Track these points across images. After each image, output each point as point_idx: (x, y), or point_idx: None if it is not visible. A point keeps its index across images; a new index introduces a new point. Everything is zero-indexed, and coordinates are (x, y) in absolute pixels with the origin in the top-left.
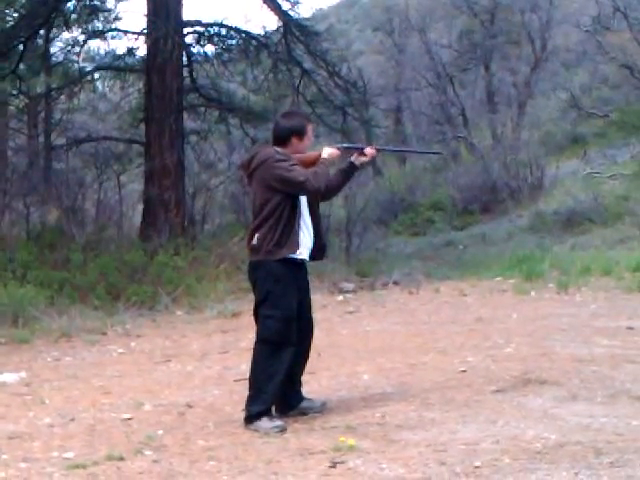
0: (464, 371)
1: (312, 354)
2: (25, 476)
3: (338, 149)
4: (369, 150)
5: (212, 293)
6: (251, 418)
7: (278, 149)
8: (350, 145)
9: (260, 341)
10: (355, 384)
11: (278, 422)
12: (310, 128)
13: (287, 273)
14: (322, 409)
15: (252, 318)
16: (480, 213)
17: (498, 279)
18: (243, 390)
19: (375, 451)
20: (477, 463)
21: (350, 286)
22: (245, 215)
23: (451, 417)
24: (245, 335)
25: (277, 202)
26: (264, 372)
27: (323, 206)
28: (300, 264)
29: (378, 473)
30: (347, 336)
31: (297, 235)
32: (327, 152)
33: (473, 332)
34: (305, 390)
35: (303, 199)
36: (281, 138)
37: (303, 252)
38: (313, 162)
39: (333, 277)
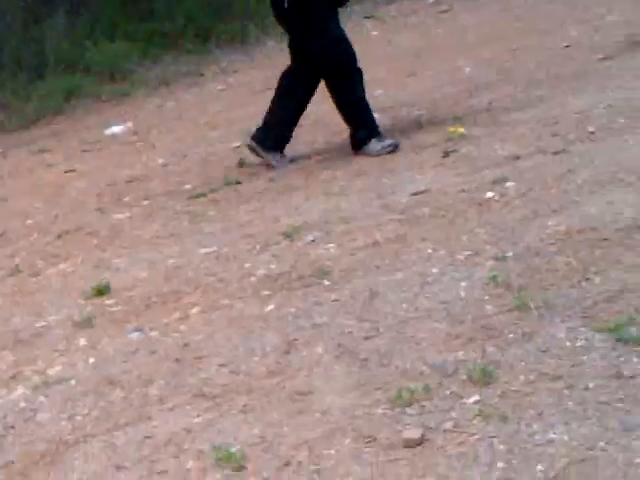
0: (568, 46)
1: (410, 56)
2: (148, 212)
3: None
4: None
5: None
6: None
7: None
8: None
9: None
10: (458, 77)
11: (389, 141)
12: None
13: None
14: None
15: None
16: None
17: None
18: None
19: (486, 135)
20: (591, 129)
21: None
22: None
23: (560, 91)
24: None
25: None
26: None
27: None
28: None
29: (491, 154)
30: (443, 35)
31: None
32: None
33: (573, 9)
34: (407, 91)
35: None
36: None
37: None
38: None
39: None
